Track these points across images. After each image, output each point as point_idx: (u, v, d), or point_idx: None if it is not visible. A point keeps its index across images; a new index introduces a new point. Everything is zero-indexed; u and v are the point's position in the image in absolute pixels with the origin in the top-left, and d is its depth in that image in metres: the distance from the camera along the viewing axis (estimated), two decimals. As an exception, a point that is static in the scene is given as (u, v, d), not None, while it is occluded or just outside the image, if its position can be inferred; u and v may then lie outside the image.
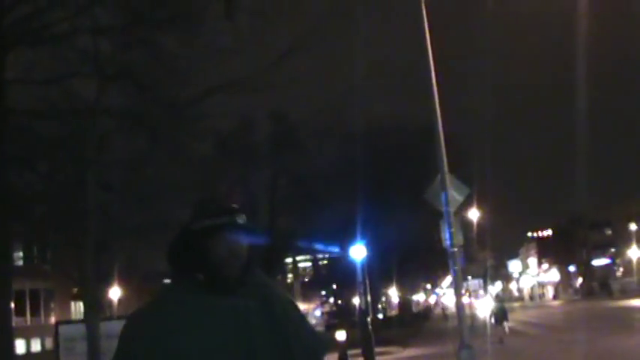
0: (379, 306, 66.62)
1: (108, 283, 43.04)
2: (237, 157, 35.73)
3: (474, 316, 48.06)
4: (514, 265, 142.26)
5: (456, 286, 15.56)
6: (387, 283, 61.98)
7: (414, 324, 60.76)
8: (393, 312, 72.34)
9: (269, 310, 2.61)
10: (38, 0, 16.20)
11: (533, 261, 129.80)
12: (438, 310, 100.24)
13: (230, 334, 2.49)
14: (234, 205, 2.70)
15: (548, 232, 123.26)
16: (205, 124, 21.33)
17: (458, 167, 21.97)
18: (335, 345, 25.41)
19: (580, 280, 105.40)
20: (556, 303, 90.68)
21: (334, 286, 73.09)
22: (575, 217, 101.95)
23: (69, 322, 29.69)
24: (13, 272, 16.24)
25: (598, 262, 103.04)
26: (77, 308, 53.27)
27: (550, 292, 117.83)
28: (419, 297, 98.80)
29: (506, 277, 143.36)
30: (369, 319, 31.18)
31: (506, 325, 31.39)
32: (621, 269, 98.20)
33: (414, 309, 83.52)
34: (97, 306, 22.93)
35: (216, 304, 2.55)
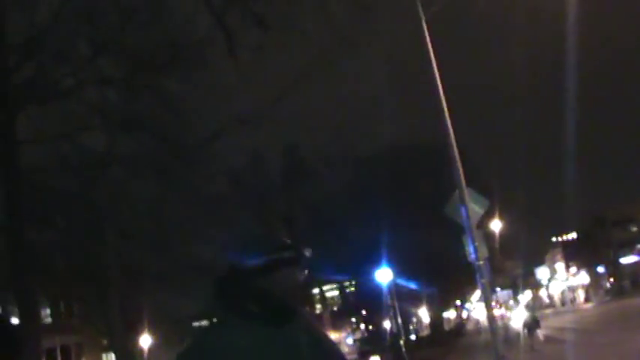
0: (410, 327, 66.05)
1: (137, 332, 42.95)
2: (252, 192, 35.84)
3: (507, 328, 47.55)
4: (542, 272, 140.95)
5: (486, 299, 15.40)
6: (417, 304, 61.53)
7: (447, 341, 60.11)
8: (425, 332, 71.72)
9: (314, 339, 2.72)
10: (42, 57, 16.31)
11: (560, 266, 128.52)
12: (470, 326, 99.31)
13: None
14: (289, 241, 2.76)
15: (573, 235, 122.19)
16: (218, 164, 21.39)
17: (475, 179, 21.84)
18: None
19: (610, 280, 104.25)
20: (588, 306, 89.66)
21: (364, 312, 72.54)
22: (598, 216, 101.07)
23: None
24: (41, 332, 16.18)
25: (626, 259, 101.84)
26: (109, 360, 53.17)
27: (581, 295, 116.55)
28: (450, 314, 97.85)
29: (536, 285, 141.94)
30: (401, 342, 30.90)
31: (540, 332, 31.22)
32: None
33: (446, 327, 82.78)
34: (128, 355, 22.90)
35: (275, 334, 2.61)
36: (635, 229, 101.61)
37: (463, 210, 14.55)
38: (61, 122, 17.80)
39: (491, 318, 15.47)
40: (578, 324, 46.16)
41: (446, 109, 15.04)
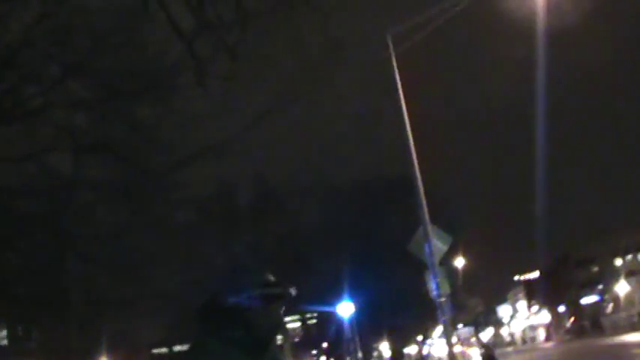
0: (371, 361, 65.72)
1: (95, 358, 42.25)
2: (219, 222, 35.71)
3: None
4: (504, 310, 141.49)
5: (447, 336, 15.48)
6: (378, 338, 61.35)
7: (408, 377, 60.00)
8: (386, 366, 71.38)
9: None
10: (11, 77, 16.20)
11: (522, 304, 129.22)
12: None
13: None
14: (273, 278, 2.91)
15: (535, 274, 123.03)
16: (185, 191, 21.33)
17: (440, 216, 22.01)
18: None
19: (571, 319, 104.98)
20: (548, 345, 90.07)
21: (325, 345, 72.14)
22: (561, 256, 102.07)
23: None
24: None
25: (587, 299, 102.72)
26: (65, 385, 52.10)
27: (542, 334, 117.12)
28: (411, 349, 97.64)
29: (497, 323, 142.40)
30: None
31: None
32: (611, 305, 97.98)
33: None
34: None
35: None
36: (596, 269, 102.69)
37: (427, 247, 14.66)
38: (28, 143, 17.62)
39: (451, 355, 15.54)
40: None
41: (412, 145, 15.20)
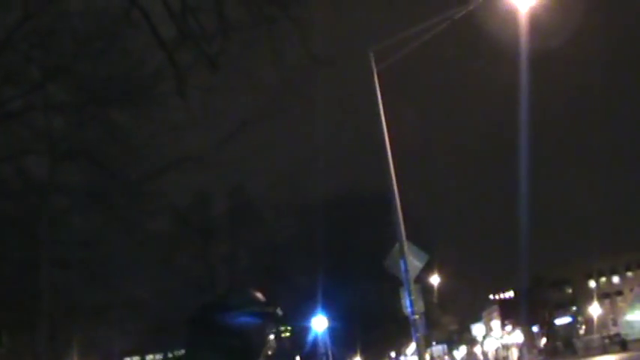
0: (344, 376, 65.46)
1: (65, 365, 41.74)
2: (195, 232, 35.55)
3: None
4: (477, 329, 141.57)
5: (420, 353, 15.44)
6: (351, 354, 61.20)
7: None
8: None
9: None
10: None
11: (496, 323, 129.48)
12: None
13: None
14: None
15: (510, 294, 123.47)
16: (162, 201, 21.20)
17: (416, 233, 22.02)
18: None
19: (544, 340, 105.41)
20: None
21: (297, 359, 71.86)
22: (536, 276, 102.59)
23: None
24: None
25: (560, 320, 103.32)
26: (33, 392, 51.36)
27: (514, 353, 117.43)
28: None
29: (471, 341, 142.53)
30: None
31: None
32: (583, 327, 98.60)
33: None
34: (53, 389, 22.21)
35: None
36: (570, 290, 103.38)
37: (402, 263, 14.64)
38: (5, 145, 17.47)
39: (422, 373, 15.50)
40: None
41: (391, 162, 15.21)
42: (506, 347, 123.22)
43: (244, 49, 11.26)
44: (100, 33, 15.15)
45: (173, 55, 11.43)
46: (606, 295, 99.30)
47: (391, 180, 15.14)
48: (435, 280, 45.33)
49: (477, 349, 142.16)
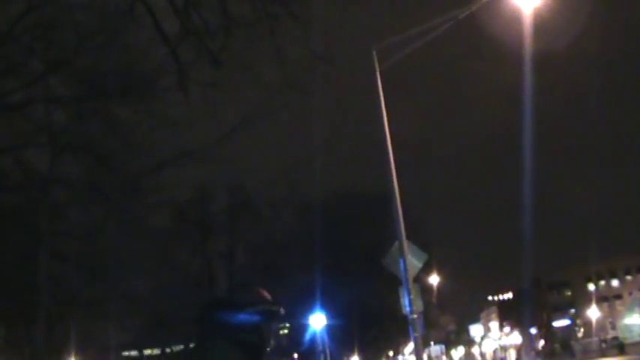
0: (341, 374, 65.51)
1: (64, 357, 41.75)
2: (194, 227, 35.55)
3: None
4: (476, 330, 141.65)
5: (417, 353, 15.39)
6: (349, 352, 61.23)
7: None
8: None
9: None
10: (-8, 70, 16.02)
11: (494, 324, 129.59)
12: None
13: None
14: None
15: (509, 295, 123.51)
16: (161, 195, 21.19)
17: (415, 233, 22.00)
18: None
19: (542, 342, 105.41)
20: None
21: (295, 356, 71.91)
22: (535, 278, 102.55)
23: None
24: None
25: (559, 323, 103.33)
26: (30, 384, 51.36)
27: (512, 355, 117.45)
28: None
29: (469, 342, 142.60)
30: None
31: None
32: (582, 330, 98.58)
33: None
34: (49, 382, 22.22)
35: None
36: (569, 293, 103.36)
37: (401, 262, 14.62)
38: (5, 137, 17.46)
39: (420, 373, 15.45)
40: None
41: (392, 161, 15.18)
42: (504, 349, 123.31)
43: (246, 45, 11.23)
44: (103, 27, 15.12)
45: (176, 50, 11.42)
46: (605, 298, 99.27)
47: (392, 179, 15.11)
48: (434, 279, 45.36)
49: (475, 350, 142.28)
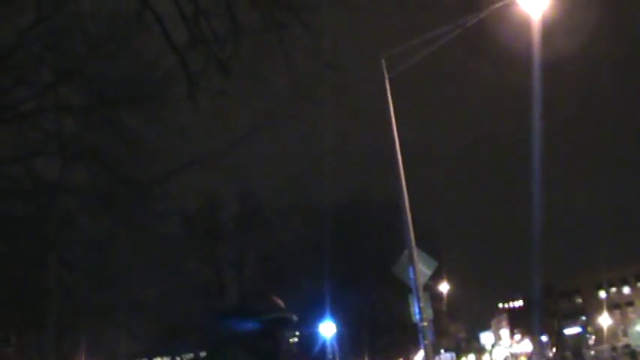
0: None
1: (72, 366, 41.77)
2: (204, 236, 35.64)
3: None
4: (486, 337, 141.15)
5: (427, 362, 15.35)
6: (359, 359, 61.12)
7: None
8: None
9: None
10: (3, 79, 16.09)
11: (505, 332, 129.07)
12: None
13: None
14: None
15: (519, 303, 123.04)
16: (171, 204, 21.22)
17: (425, 240, 21.93)
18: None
19: (553, 349, 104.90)
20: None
21: (306, 363, 71.77)
22: (546, 286, 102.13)
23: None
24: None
25: (570, 331, 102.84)
26: (40, 392, 51.43)
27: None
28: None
29: (479, 350, 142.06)
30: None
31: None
32: (593, 337, 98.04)
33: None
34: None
35: None
36: (580, 300, 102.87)
37: (411, 270, 14.59)
38: (16, 146, 17.54)
39: (430, 381, 15.39)
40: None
41: (402, 168, 15.17)
42: (515, 356, 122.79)
43: (255, 53, 11.26)
44: (112, 35, 15.20)
45: (185, 58, 11.45)
46: (617, 305, 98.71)
47: (401, 186, 15.10)
48: (444, 287, 45.25)
49: (486, 358, 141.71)
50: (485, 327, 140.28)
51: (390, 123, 15.38)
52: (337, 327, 33.33)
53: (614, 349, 75.94)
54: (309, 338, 49.41)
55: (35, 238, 20.07)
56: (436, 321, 26.54)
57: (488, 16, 14.37)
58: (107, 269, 22.35)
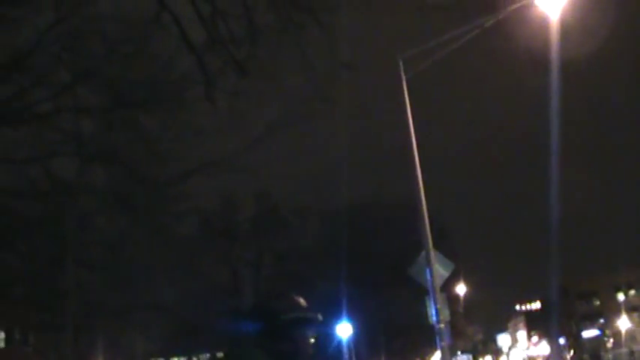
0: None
1: (90, 365, 42.01)
2: (221, 236, 35.69)
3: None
4: (503, 339, 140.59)
5: (444, 364, 15.30)
6: (376, 360, 61.06)
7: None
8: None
9: None
10: (21, 80, 16.18)
11: (522, 334, 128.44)
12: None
13: None
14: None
15: (537, 305, 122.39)
16: (188, 204, 21.30)
17: (442, 242, 21.88)
18: None
19: (571, 352, 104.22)
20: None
21: (321, 365, 71.65)
22: (563, 288, 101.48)
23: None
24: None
25: (587, 333, 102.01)
26: (58, 391, 51.73)
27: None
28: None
29: (496, 352, 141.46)
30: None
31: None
32: (611, 340, 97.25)
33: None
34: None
35: None
36: (598, 303, 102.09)
37: (428, 272, 14.54)
38: (34, 146, 17.62)
39: (447, 382, 15.35)
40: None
41: (419, 169, 15.11)
42: (532, 359, 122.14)
43: (272, 54, 11.25)
44: (130, 36, 15.25)
45: (202, 59, 11.46)
46: (635, 308, 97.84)
47: (418, 187, 15.04)
48: (460, 289, 45.06)
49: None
50: (503, 329, 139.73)
51: (408, 124, 15.33)
52: (353, 328, 33.25)
53: (632, 353, 75.31)
54: (325, 339, 49.38)
55: (52, 239, 20.19)
56: (453, 323, 26.42)
57: (506, 17, 14.30)
58: (124, 270, 22.44)
